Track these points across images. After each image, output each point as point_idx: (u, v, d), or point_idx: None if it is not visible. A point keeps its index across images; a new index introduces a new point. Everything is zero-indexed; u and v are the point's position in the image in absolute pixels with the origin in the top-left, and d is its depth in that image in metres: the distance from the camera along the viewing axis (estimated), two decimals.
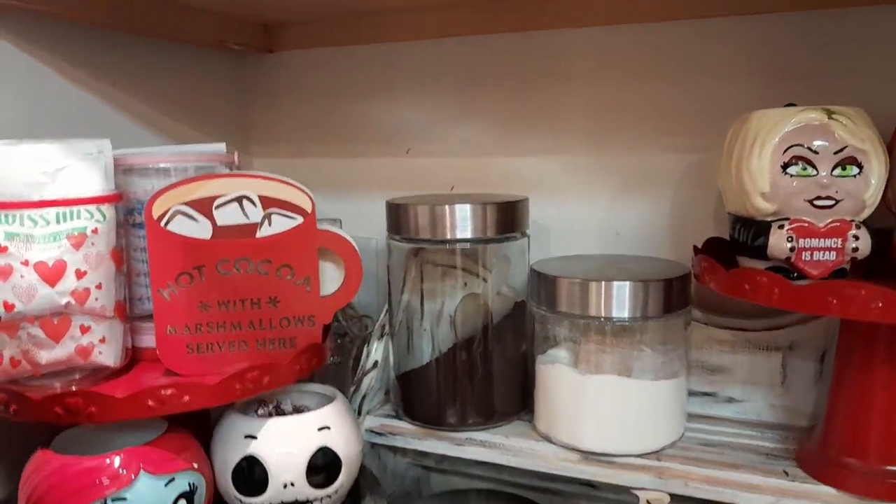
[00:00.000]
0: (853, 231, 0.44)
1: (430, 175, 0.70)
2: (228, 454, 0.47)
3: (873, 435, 0.45)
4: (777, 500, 0.47)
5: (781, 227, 0.45)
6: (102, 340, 0.47)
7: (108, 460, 0.42)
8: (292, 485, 0.47)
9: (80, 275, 0.45)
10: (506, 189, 0.66)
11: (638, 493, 0.48)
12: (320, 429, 0.48)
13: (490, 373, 0.58)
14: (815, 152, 0.44)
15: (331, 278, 0.52)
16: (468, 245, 0.56)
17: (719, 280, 0.46)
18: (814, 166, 0.44)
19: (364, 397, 0.60)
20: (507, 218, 0.56)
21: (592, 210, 0.65)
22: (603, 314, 0.50)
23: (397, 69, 0.71)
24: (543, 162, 0.66)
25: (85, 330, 0.46)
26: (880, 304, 0.39)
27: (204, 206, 0.49)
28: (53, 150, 0.46)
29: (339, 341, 0.66)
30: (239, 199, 0.49)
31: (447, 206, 0.55)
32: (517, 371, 0.59)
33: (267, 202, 0.49)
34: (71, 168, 0.46)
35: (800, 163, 0.44)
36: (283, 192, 0.50)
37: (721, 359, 0.57)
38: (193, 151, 0.55)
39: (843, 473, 0.46)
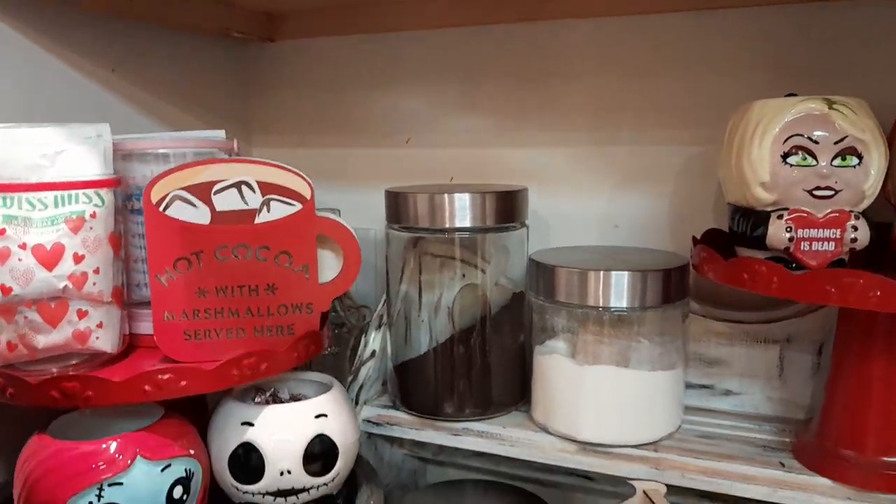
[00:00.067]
0: (852, 222, 0.44)
1: (430, 166, 0.70)
2: (225, 441, 0.47)
3: (870, 427, 0.46)
4: (773, 492, 0.47)
5: (780, 217, 0.45)
6: (100, 325, 0.47)
7: (104, 445, 0.42)
8: (289, 472, 0.47)
9: (77, 259, 0.45)
10: (506, 181, 0.66)
11: (635, 483, 0.48)
12: (317, 416, 0.48)
13: (487, 363, 0.58)
14: (816, 142, 0.44)
15: (329, 266, 0.52)
16: (467, 234, 0.56)
17: (718, 269, 0.46)
18: (814, 156, 0.44)
19: (361, 387, 0.60)
20: (507, 207, 0.56)
21: (592, 202, 0.65)
22: (601, 304, 0.50)
23: (399, 59, 0.71)
24: (544, 154, 0.66)
25: (82, 315, 0.46)
26: (878, 293, 0.39)
27: (203, 192, 0.48)
28: (53, 134, 0.46)
29: (336, 331, 0.66)
30: (238, 185, 0.49)
31: (446, 195, 0.55)
32: (515, 362, 0.59)
33: (266, 188, 0.49)
34: (70, 152, 0.46)
35: (800, 152, 0.44)
36: (282, 179, 0.49)
37: (719, 351, 0.57)
38: (193, 137, 0.54)
39: (839, 465, 0.46)
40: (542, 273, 0.54)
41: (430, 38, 0.69)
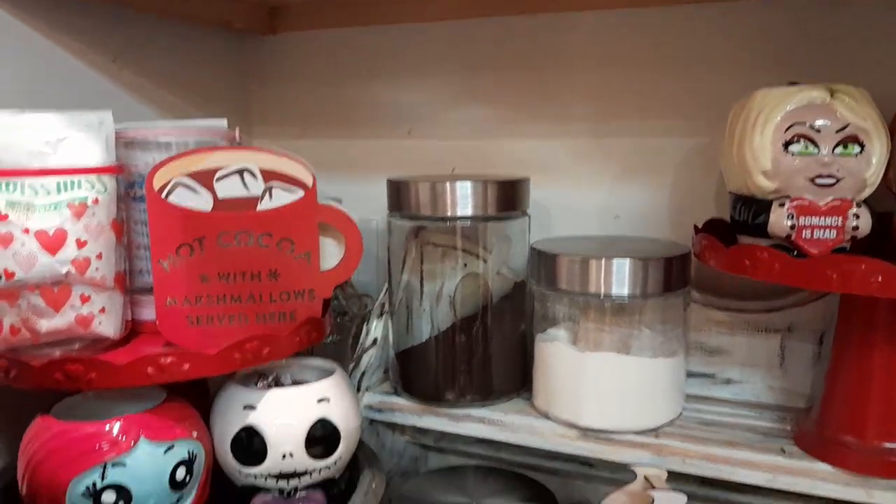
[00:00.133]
0: (854, 210, 0.44)
1: (432, 157, 0.70)
2: (227, 424, 0.47)
3: (871, 413, 0.46)
4: (773, 478, 0.47)
5: (782, 205, 0.45)
6: (102, 311, 0.47)
7: (107, 426, 0.42)
8: (291, 455, 0.47)
9: (80, 244, 0.45)
10: (507, 172, 0.66)
11: (636, 468, 0.48)
12: (319, 400, 0.48)
13: (489, 351, 0.58)
14: (817, 130, 0.44)
15: (331, 254, 0.52)
16: (469, 223, 0.56)
17: (719, 257, 0.47)
18: (815, 144, 0.44)
19: (363, 374, 0.60)
20: (508, 196, 0.56)
21: (593, 193, 0.65)
22: (603, 291, 0.51)
23: (400, 51, 0.71)
24: (545, 145, 0.66)
25: (85, 299, 0.46)
26: (880, 279, 0.39)
27: (205, 179, 0.49)
28: (55, 121, 0.46)
29: (338, 320, 0.66)
30: (240, 172, 0.49)
31: (448, 183, 0.55)
32: (516, 350, 0.59)
33: (268, 175, 0.49)
34: (72, 139, 0.46)
35: (801, 141, 0.44)
36: (284, 166, 0.50)
37: (720, 340, 0.57)
38: (195, 126, 0.54)
39: (840, 451, 0.47)
40: (543, 261, 0.54)
41: (432, 31, 0.69)
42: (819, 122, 0.44)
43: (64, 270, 0.45)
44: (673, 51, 0.61)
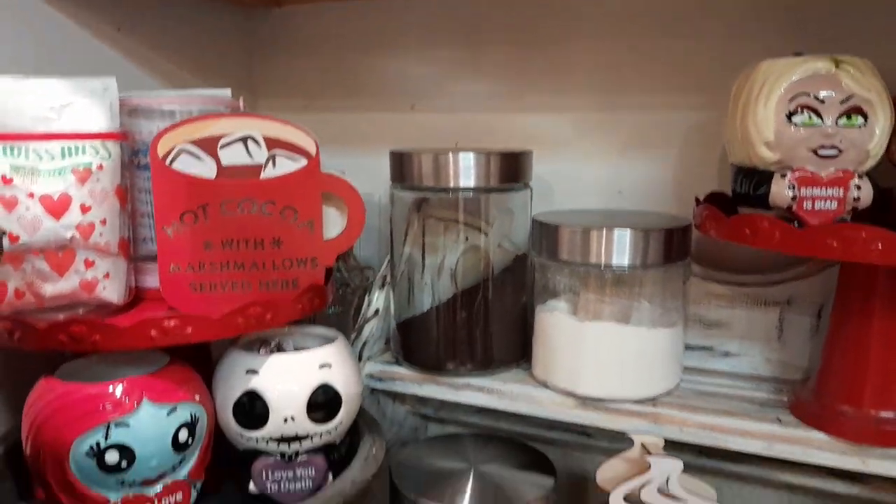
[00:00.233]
0: (855, 181, 0.44)
1: (435, 131, 0.70)
2: (230, 389, 0.48)
3: (868, 382, 0.46)
4: (770, 446, 0.48)
5: (784, 175, 0.45)
6: (107, 276, 0.47)
7: (111, 387, 0.43)
8: (292, 419, 0.47)
9: (84, 209, 0.46)
10: (510, 146, 0.66)
11: (633, 436, 0.49)
12: (321, 366, 0.49)
13: (489, 322, 0.58)
14: (822, 101, 0.44)
15: (334, 223, 0.53)
16: (471, 194, 0.57)
17: (720, 227, 0.47)
18: (819, 115, 0.44)
19: (365, 344, 0.61)
20: (511, 168, 0.57)
21: (596, 167, 0.65)
22: (603, 262, 0.51)
23: (403, 24, 0.70)
24: (548, 119, 0.66)
25: (89, 264, 0.47)
26: (880, 246, 0.39)
27: (209, 146, 0.49)
28: (59, 86, 0.46)
29: (340, 292, 0.67)
30: (244, 140, 0.49)
31: (451, 154, 0.55)
32: (516, 322, 0.60)
33: (271, 143, 0.49)
34: (76, 104, 0.46)
35: (805, 112, 0.44)
36: (287, 134, 0.50)
37: (719, 313, 0.58)
38: (199, 95, 0.54)
39: (835, 420, 0.47)
40: (545, 232, 0.54)
41: (436, 3, 0.68)
42: (823, 93, 0.44)
43: (68, 235, 0.45)
44: (677, 24, 0.60)
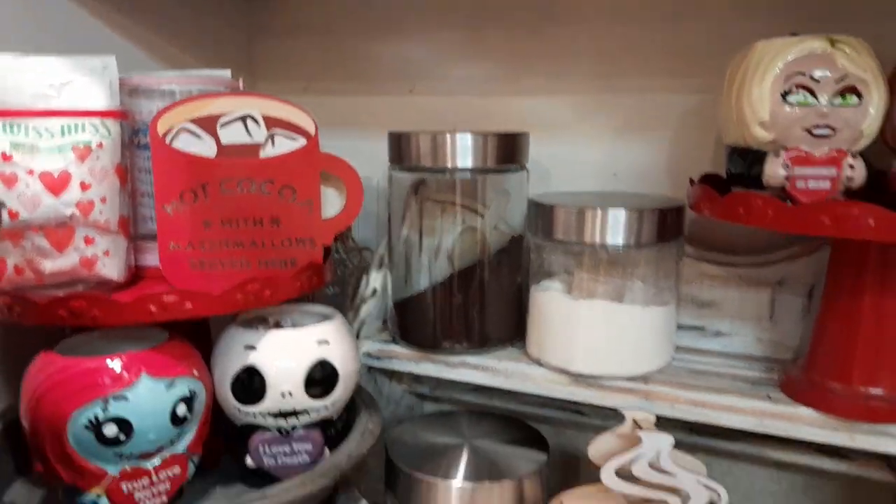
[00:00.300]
0: (849, 160, 0.44)
1: (433, 114, 0.71)
2: (228, 364, 0.49)
3: (857, 358, 0.47)
4: (759, 422, 0.49)
5: (778, 155, 0.45)
6: (107, 253, 0.48)
7: (110, 361, 0.43)
8: (290, 394, 0.48)
9: (84, 187, 0.46)
10: (508, 129, 0.66)
11: (625, 412, 0.50)
12: (319, 342, 0.49)
13: (484, 301, 0.59)
14: (817, 81, 0.44)
15: (332, 204, 0.53)
16: (468, 175, 0.57)
17: (714, 206, 0.47)
18: (814, 95, 0.44)
19: (362, 324, 0.61)
20: (508, 149, 0.57)
21: (592, 150, 0.65)
22: (598, 241, 0.51)
23: (403, 6, 0.70)
24: (545, 101, 0.66)
25: (89, 241, 0.47)
26: (872, 222, 0.40)
27: (209, 125, 0.49)
28: (59, 64, 0.46)
29: (338, 273, 0.67)
30: (243, 119, 0.50)
31: (448, 135, 0.55)
32: (511, 302, 0.60)
33: (271, 122, 0.50)
34: (76, 83, 0.47)
35: (801, 91, 0.44)
36: (286, 113, 0.50)
37: (711, 293, 0.58)
38: (199, 75, 0.55)
39: (825, 396, 0.48)
40: (540, 213, 0.55)
41: None
42: (818, 73, 0.44)
43: (68, 212, 0.45)
44: (674, 7, 0.61)
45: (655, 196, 0.58)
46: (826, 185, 0.45)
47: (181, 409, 0.45)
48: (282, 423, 0.49)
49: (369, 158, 0.65)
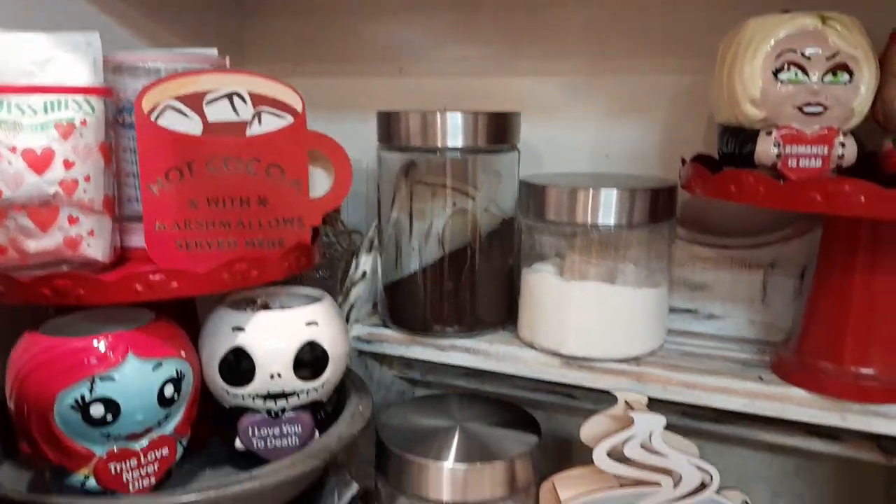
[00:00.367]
0: (840, 139, 0.44)
1: (422, 95, 0.70)
2: (216, 345, 0.48)
3: (849, 338, 0.47)
4: (751, 402, 0.48)
5: (769, 133, 0.45)
6: (91, 233, 0.47)
7: (96, 341, 0.43)
8: (279, 376, 0.48)
9: (67, 165, 0.45)
10: (499, 110, 0.65)
11: (617, 393, 0.49)
12: (308, 323, 0.49)
13: (476, 283, 0.59)
14: (808, 58, 0.44)
15: (320, 184, 0.52)
16: (458, 154, 0.57)
17: (706, 184, 0.47)
18: (805, 72, 0.44)
19: (352, 307, 0.61)
20: (499, 128, 0.56)
21: (583, 132, 0.65)
22: (590, 221, 0.51)
23: None
24: (536, 83, 0.66)
25: (73, 221, 0.46)
26: (863, 198, 0.40)
27: (194, 102, 0.48)
28: (42, 40, 0.45)
29: (327, 256, 0.67)
30: (230, 96, 0.49)
31: (438, 114, 0.55)
32: (503, 285, 0.60)
33: (257, 100, 0.49)
34: (59, 59, 0.46)
35: (792, 68, 0.44)
36: (273, 91, 0.49)
37: (703, 276, 0.58)
38: (184, 53, 0.54)
39: (816, 377, 0.48)
40: (532, 193, 0.54)
41: None
42: (810, 50, 0.44)
43: (51, 191, 0.45)
44: None
45: (648, 177, 0.58)
46: (817, 163, 0.45)
47: (168, 390, 0.45)
48: (271, 405, 0.49)
49: (359, 141, 0.64)
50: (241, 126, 0.49)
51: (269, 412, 0.49)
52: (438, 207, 0.59)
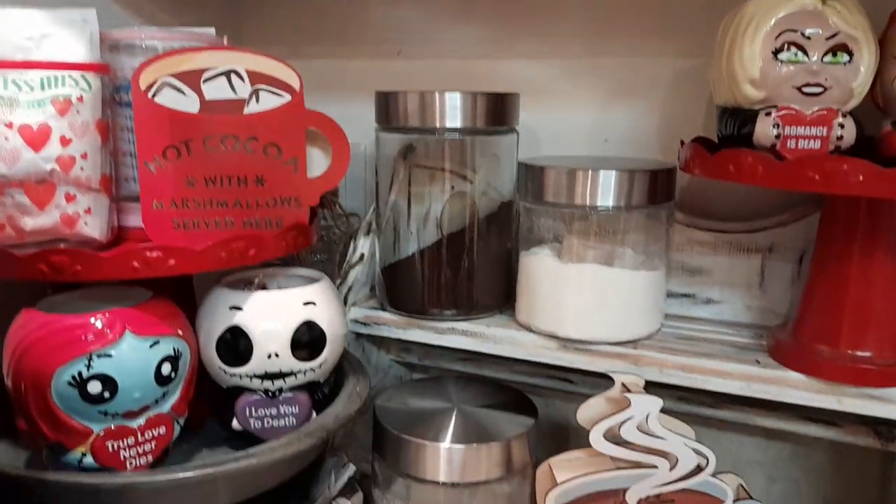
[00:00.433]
0: (839, 119, 0.44)
1: (421, 77, 0.70)
2: (213, 325, 0.48)
3: (846, 322, 0.47)
4: (747, 385, 0.49)
5: (768, 114, 0.45)
6: (88, 211, 0.47)
7: (93, 318, 0.43)
8: (276, 355, 0.48)
9: (64, 142, 0.45)
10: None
11: (614, 375, 0.49)
12: (305, 303, 0.49)
13: (473, 266, 0.59)
14: (808, 38, 0.44)
15: (318, 165, 0.52)
16: (457, 135, 0.56)
17: (704, 164, 0.47)
18: (805, 52, 0.44)
19: (350, 289, 0.61)
20: (497, 109, 0.56)
21: (582, 116, 0.64)
22: (588, 203, 0.51)
23: None
24: (536, 65, 0.65)
25: (70, 198, 0.46)
26: (861, 177, 0.39)
27: (192, 79, 0.48)
28: (38, 17, 0.45)
29: (325, 239, 0.67)
30: (227, 74, 0.49)
31: (437, 94, 0.55)
32: (501, 268, 0.60)
33: (255, 77, 0.49)
34: (55, 35, 0.45)
35: (792, 48, 0.44)
36: (271, 68, 0.49)
37: (702, 261, 0.58)
38: (182, 32, 0.53)
39: (813, 360, 0.48)
40: (530, 175, 0.54)
41: None
42: (810, 30, 0.44)
43: (48, 167, 0.44)
44: None
45: (646, 160, 0.58)
46: (816, 144, 0.45)
47: (166, 368, 0.45)
48: (268, 385, 0.49)
49: (357, 125, 0.64)
50: (239, 104, 0.49)
51: (266, 392, 0.49)
52: (437, 191, 0.59)
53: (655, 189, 0.51)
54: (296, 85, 0.49)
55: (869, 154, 0.46)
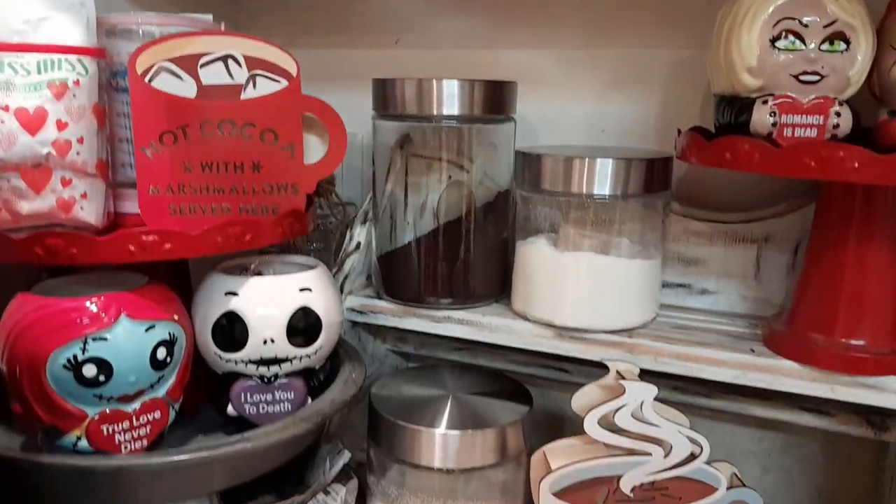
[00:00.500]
0: (835, 108, 0.44)
1: (419, 66, 0.69)
2: (209, 310, 0.48)
3: (840, 311, 0.47)
4: (742, 374, 0.49)
5: (765, 102, 0.45)
6: (84, 196, 0.47)
7: (88, 302, 0.43)
8: (272, 341, 0.48)
9: (61, 126, 0.45)
10: None
11: (608, 363, 0.50)
12: (301, 289, 0.49)
13: (469, 255, 0.58)
14: (805, 26, 0.44)
15: (315, 151, 0.52)
16: (454, 123, 0.56)
17: (701, 152, 0.47)
18: (802, 40, 0.44)
19: (346, 278, 0.61)
20: (495, 98, 0.56)
21: (579, 106, 0.64)
22: (585, 191, 0.51)
23: None
24: (534, 55, 0.65)
25: (66, 183, 0.46)
26: (857, 164, 0.40)
27: (189, 64, 0.48)
28: (35, 1, 0.45)
29: (321, 227, 0.67)
30: (224, 59, 0.49)
31: (434, 81, 0.55)
32: (497, 257, 0.60)
33: (252, 63, 0.49)
34: (52, 19, 0.45)
35: (789, 36, 0.44)
36: (268, 54, 0.49)
37: (698, 251, 0.58)
38: (179, 17, 0.53)
39: (807, 349, 0.48)
40: (527, 163, 0.54)
41: None
42: (807, 18, 0.44)
43: (44, 151, 0.44)
44: None
45: (643, 149, 0.58)
46: (813, 133, 0.45)
47: (161, 353, 0.45)
48: (264, 370, 0.49)
49: (355, 114, 0.64)
50: (236, 89, 0.49)
51: (261, 378, 0.49)
52: (433, 180, 0.59)
53: (652, 178, 0.51)
54: (293, 70, 0.49)
55: (865, 143, 0.46)
